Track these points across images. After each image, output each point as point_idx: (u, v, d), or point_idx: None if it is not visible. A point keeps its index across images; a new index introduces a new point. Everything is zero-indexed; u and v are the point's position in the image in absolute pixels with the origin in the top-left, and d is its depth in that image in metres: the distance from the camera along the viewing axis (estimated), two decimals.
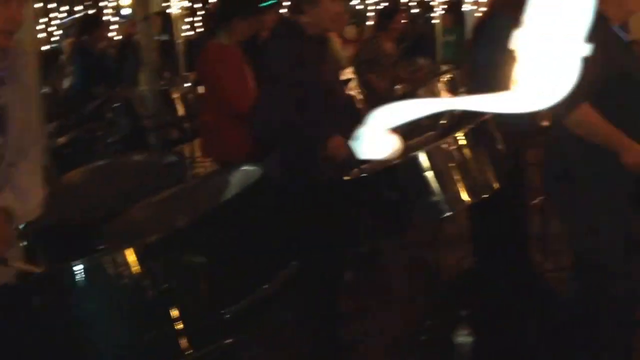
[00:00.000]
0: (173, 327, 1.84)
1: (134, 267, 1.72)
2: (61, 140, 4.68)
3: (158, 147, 5.29)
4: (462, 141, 2.58)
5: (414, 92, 5.37)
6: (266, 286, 2.19)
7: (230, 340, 1.87)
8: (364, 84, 5.43)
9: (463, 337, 2.94)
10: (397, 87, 5.75)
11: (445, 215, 2.58)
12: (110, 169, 3.03)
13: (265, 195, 2.37)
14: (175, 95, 5.50)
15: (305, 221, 2.70)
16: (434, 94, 5.23)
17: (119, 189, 2.81)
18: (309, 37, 2.61)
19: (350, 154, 2.59)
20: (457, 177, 2.55)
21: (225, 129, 3.43)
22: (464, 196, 2.55)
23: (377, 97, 5.49)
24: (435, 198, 2.53)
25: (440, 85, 5.29)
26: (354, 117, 2.89)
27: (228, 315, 1.97)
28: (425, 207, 2.56)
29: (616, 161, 2.29)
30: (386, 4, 8.07)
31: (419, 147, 2.66)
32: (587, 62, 2.17)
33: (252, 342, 3.05)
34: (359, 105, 4.37)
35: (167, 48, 9.35)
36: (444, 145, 2.55)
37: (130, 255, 1.72)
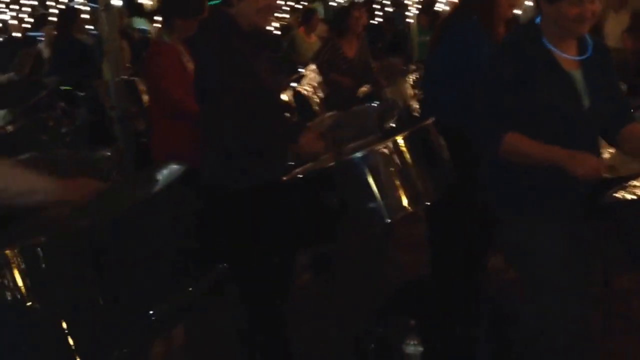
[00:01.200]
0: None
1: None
2: (9, 128, 4.51)
3: (122, 138, 5.17)
4: (403, 146, 2.44)
5: (380, 91, 5.24)
6: (189, 289, 2.08)
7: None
8: (328, 82, 5.30)
9: (412, 347, 2.81)
10: (364, 87, 5.61)
11: (384, 222, 2.44)
12: (34, 163, 2.87)
13: (189, 195, 2.24)
14: (143, 87, 5.31)
15: (240, 223, 2.57)
16: (401, 93, 5.11)
17: None
18: (242, 31, 2.44)
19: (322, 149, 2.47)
20: (397, 182, 2.41)
21: (165, 127, 3.28)
22: (405, 203, 2.41)
23: (341, 96, 5.36)
24: (373, 204, 2.39)
25: (407, 85, 5.16)
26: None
27: (148, 319, 1.92)
28: (363, 213, 2.42)
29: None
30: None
31: (359, 150, 2.52)
32: (504, 90, 1.96)
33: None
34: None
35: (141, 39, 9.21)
36: (384, 149, 2.41)
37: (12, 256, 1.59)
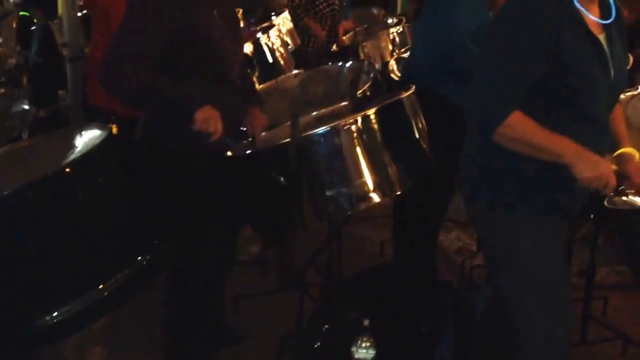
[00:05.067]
0: None
1: None
2: None
3: (71, 80, 4.70)
4: (373, 122, 2.03)
5: (359, 44, 4.79)
6: (115, 276, 1.72)
7: None
8: (301, 29, 4.82)
9: (363, 351, 2.47)
10: (344, 38, 5.15)
11: (344, 213, 2.05)
12: None
13: (111, 165, 1.83)
14: None
15: (173, 193, 2.20)
16: (380, 48, 4.67)
17: None
18: None
19: (224, 131, 2.04)
20: (363, 167, 2.01)
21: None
22: (371, 192, 2.01)
23: (314, 48, 4.91)
24: (332, 191, 1.99)
25: (387, 39, 4.71)
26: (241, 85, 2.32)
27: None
28: (320, 200, 2.02)
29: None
30: None
31: (319, 124, 2.11)
32: (519, 57, 1.45)
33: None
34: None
35: None
36: (350, 126, 1.99)
37: None
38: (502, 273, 2.01)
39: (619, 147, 1.94)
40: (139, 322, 2.75)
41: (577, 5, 1.81)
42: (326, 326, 2.58)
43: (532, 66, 1.76)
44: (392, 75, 3.51)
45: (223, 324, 2.76)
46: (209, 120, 1.99)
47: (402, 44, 4.58)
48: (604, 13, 1.89)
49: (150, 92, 2.04)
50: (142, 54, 2.00)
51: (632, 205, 2.02)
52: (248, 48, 3.82)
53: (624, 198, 2.05)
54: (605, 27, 1.88)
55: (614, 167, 1.79)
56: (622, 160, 1.93)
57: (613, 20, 1.88)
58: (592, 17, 1.84)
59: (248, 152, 2.20)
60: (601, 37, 1.86)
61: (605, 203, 2.01)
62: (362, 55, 4.49)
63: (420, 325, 2.66)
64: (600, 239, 2.81)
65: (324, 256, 2.53)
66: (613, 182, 1.75)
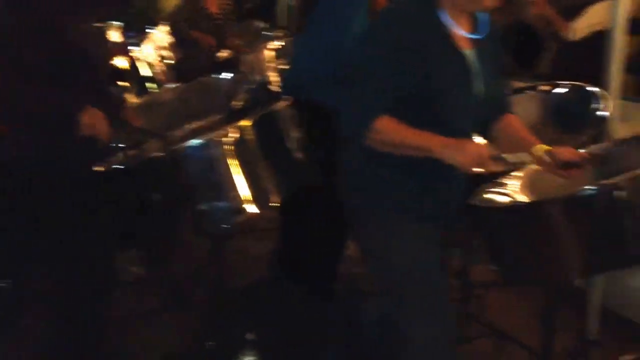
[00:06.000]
0: None
1: None
2: None
3: None
4: (248, 133, 2.02)
5: (239, 58, 4.77)
6: None
7: None
8: (185, 43, 4.75)
9: None
10: (223, 52, 5.11)
11: (219, 227, 2.02)
12: None
13: None
14: None
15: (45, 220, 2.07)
16: (260, 61, 4.67)
17: None
18: None
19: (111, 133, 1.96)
20: (237, 179, 1.99)
21: None
22: (245, 204, 2.00)
23: (198, 62, 4.84)
24: (207, 205, 1.96)
25: (268, 53, 4.72)
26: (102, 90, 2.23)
27: None
28: (195, 214, 1.98)
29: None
30: None
31: (194, 136, 2.07)
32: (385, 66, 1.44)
33: None
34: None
35: None
36: (223, 138, 1.97)
37: None
38: (380, 282, 2.04)
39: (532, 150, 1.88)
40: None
41: (446, 19, 1.86)
42: (210, 343, 2.54)
43: (397, 76, 1.80)
44: (273, 87, 3.51)
45: (106, 348, 2.65)
46: (95, 123, 1.92)
47: (284, 56, 4.61)
48: (475, 27, 1.93)
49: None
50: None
51: (493, 202, 2.10)
52: (123, 61, 3.71)
53: (486, 196, 2.13)
54: (475, 42, 1.91)
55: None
56: (540, 153, 1.86)
57: (485, 35, 1.91)
58: (460, 32, 1.88)
59: (119, 167, 2.12)
60: (470, 52, 1.89)
61: (471, 201, 2.09)
62: (243, 67, 4.47)
63: (307, 337, 2.67)
64: (475, 239, 2.92)
65: (208, 272, 2.49)
66: (487, 159, 1.76)
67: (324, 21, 2.73)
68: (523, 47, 4.94)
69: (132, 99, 3.01)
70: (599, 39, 2.92)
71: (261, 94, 3.24)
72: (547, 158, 1.82)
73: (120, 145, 2.24)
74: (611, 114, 2.61)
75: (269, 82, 3.43)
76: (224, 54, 5.03)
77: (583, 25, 4.01)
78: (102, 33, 2.37)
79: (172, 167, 1.92)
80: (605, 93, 2.68)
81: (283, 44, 4.78)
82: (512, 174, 2.28)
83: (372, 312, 2.30)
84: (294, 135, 2.20)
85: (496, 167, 1.82)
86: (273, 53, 4.72)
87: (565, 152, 1.84)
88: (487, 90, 1.94)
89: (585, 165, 1.79)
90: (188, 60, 4.75)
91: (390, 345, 2.13)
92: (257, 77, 3.75)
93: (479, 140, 2.01)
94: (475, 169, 1.78)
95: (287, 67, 3.83)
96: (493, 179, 2.20)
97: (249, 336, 2.40)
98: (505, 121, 2.03)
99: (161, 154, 1.94)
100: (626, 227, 1.77)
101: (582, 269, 1.84)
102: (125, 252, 3.13)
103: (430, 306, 1.98)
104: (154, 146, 2.09)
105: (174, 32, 4.71)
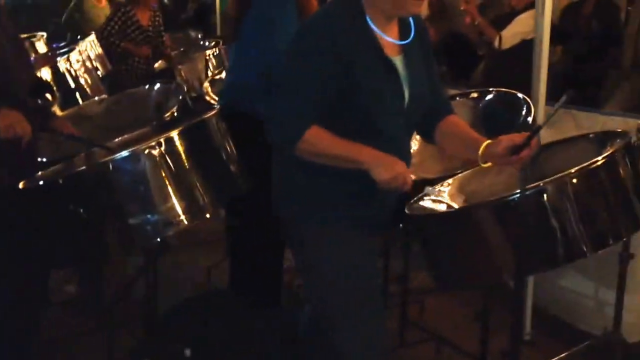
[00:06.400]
0: None
1: None
2: None
3: None
4: (178, 144, 1.97)
5: (174, 67, 4.71)
6: None
7: None
8: (116, 55, 4.65)
9: None
10: (158, 62, 5.02)
11: (151, 240, 1.97)
12: None
13: None
14: None
15: None
16: (197, 70, 4.62)
17: None
18: None
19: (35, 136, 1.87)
20: (168, 191, 1.94)
21: None
22: (177, 216, 1.95)
23: (131, 73, 4.75)
24: (136, 219, 1.90)
25: (204, 62, 4.67)
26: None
27: None
28: (125, 229, 1.91)
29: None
30: None
31: (120, 149, 2.01)
32: (312, 74, 1.38)
33: None
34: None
35: None
36: (151, 149, 1.92)
37: None
38: (313, 292, 2.02)
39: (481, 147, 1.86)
40: None
41: (372, 27, 1.83)
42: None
43: (323, 85, 1.78)
44: (207, 97, 3.47)
45: None
46: (12, 123, 1.84)
47: (219, 65, 4.57)
48: (404, 33, 1.90)
49: None
50: None
51: (426, 210, 2.12)
52: (47, 73, 3.59)
53: (421, 203, 2.15)
54: (403, 48, 1.89)
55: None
56: (493, 145, 1.83)
57: (412, 39, 1.89)
58: (387, 39, 1.86)
59: (42, 182, 2.04)
60: (398, 58, 1.87)
61: (406, 210, 2.10)
62: (178, 78, 4.41)
63: (246, 350, 2.62)
64: (415, 245, 2.94)
65: (141, 288, 2.42)
66: (409, 180, 1.78)
67: (256, 29, 2.71)
68: (459, 57, 5.04)
69: (57, 111, 2.90)
70: (529, 48, 2.98)
71: (194, 104, 3.19)
72: (499, 150, 1.80)
73: (44, 159, 2.17)
74: (537, 120, 2.68)
75: (204, 92, 3.38)
76: (159, 64, 4.95)
77: (511, 34, 4.13)
78: (21, 42, 2.27)
79: (100, 181, 1.85)
80: (528, 99, 2.76)
81: (217, 52, 4.75)
82: (445, 181, 2.32)
83: (308, 321, 2.28)
84: (226, 145, 2.16)
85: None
86: (208, 63, 4.69)
87: (511, 137, 1.82)
88: (419, 95, 1.92)
89: (533, 146, 1.79)
90: (118, 73, 4.65)
91: (324, 352, 2.11)
92: (192, 87, 3.71)
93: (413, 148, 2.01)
94: (393, 187, 1.78)
95: (221, 76, 3.80)
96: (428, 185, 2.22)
97: (187, 352, 2.34)
98: (447, 122, 2.01)
99: (88, 168, 1.87)
100: (553, 228, 1.82)
101: (513, 270, 1.87)
102: (58, 271, 3.04)
103: (360, 315, 1.96)
104: (80, 161, 2.02)
105: (103, 44, 4.59)
